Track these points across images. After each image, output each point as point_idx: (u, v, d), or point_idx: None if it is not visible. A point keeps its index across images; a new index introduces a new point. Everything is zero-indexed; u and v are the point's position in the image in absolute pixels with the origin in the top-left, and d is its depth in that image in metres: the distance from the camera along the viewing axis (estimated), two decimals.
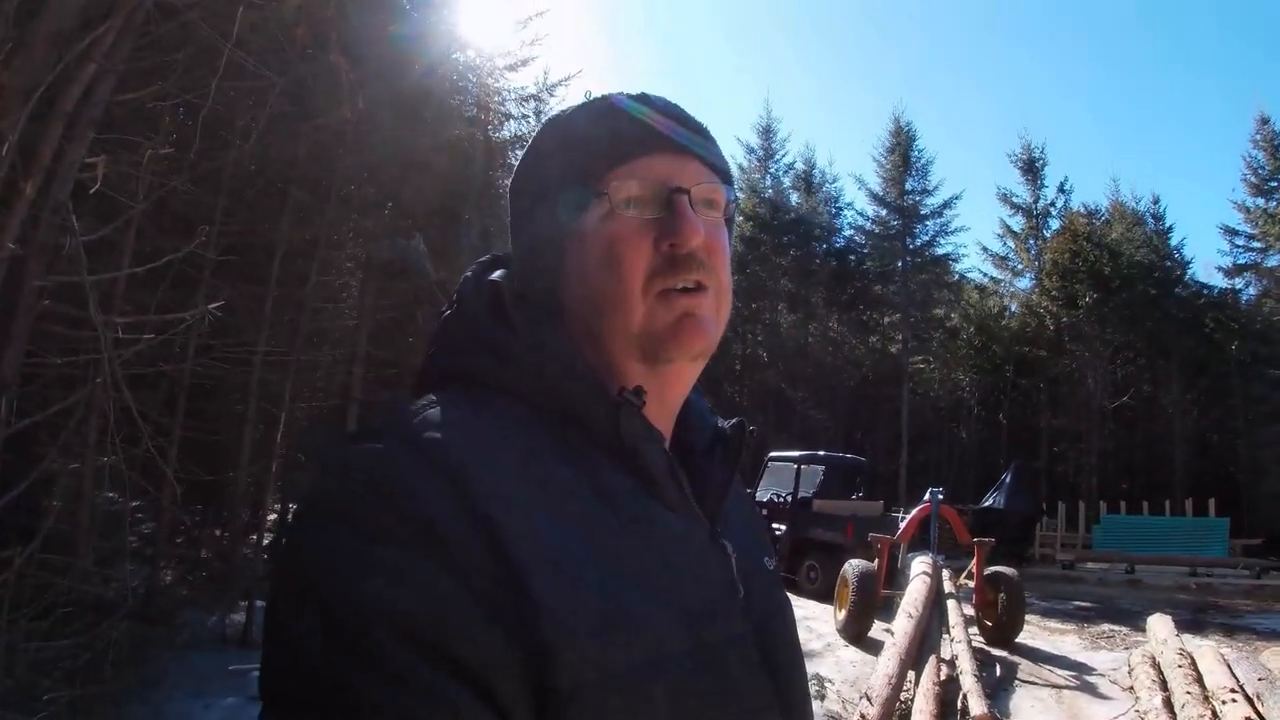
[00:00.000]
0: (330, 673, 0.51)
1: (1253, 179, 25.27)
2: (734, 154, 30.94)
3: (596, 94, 0.81)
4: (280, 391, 8.41)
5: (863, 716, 5.28)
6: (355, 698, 0.50)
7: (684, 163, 0.75)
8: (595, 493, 0.65)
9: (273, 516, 10.86)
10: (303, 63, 6.90)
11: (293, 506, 12.45)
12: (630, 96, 0.77)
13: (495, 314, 0.72)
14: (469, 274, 0.79)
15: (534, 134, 0.82)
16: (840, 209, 30.35)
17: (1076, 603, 12.83)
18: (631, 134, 0.75)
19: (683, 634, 0.62)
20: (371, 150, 9.26)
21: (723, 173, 0.79)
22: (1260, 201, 25.09)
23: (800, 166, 30.93)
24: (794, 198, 31.33)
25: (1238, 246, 25.82)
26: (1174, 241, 26.70)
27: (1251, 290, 25.96)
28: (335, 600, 0.52)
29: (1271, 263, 25.00)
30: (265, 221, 8.43)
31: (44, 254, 4.54)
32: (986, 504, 17.61)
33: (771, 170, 30.93)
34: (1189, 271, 26.46)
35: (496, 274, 0.77)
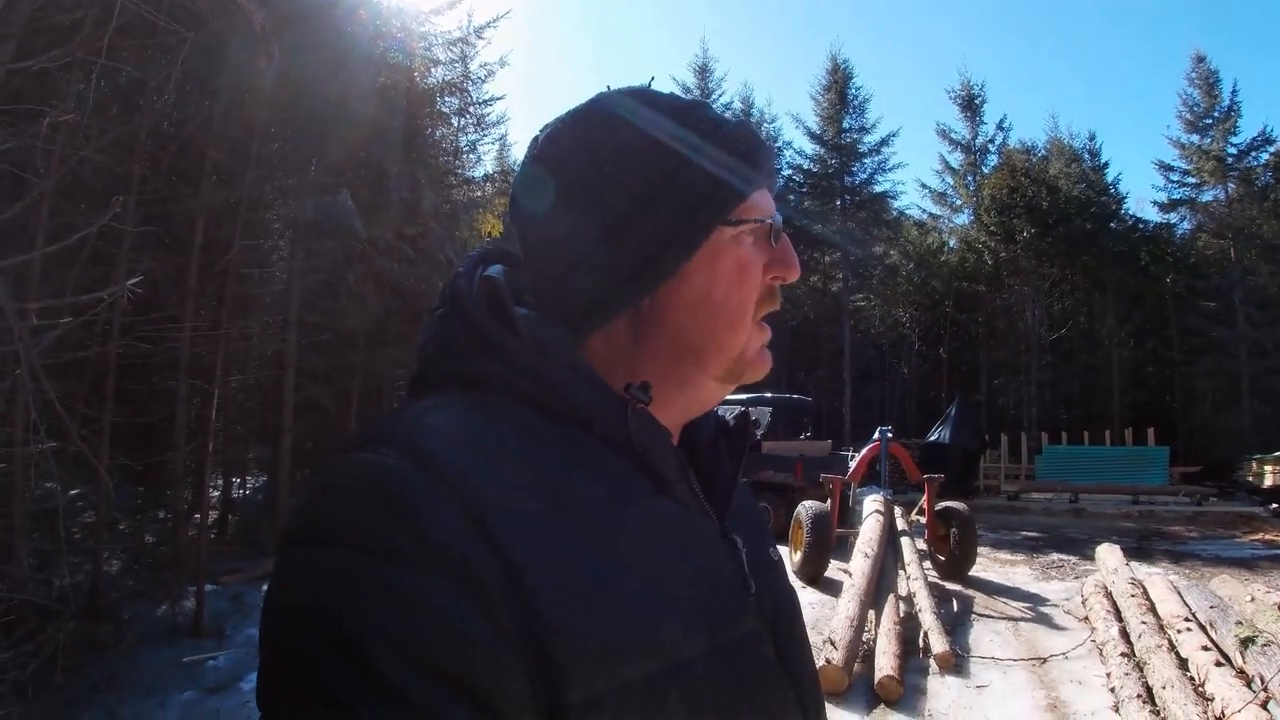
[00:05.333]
0: (329, 690, 0.49)
1: (1188, 115, 25.89)
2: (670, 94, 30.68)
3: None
4: (211, 365, 8.05)
5: (828, 661, 5.32)
6: (354, 714, 0.48)
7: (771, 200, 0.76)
8: (604, 494, 0.63)
9: (215, 494, 10.53)
10: (214, 15, 6.49)
11: (236, 483, 12.31)
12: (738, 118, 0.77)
13: (494, 313, 0.68)
14: (461, 270, 0.75)
15: (633, 119, 0.72)
16: (779, 149, 30.22)
17: (1024, 533, 13.22)
18: (766, 164, 0.74)
19: (699, 636, 0.61)
20: (292, 104, 8.83)
21: None
22: (1195, 138, 25.73)
23: (738, 105, 30.60)
24: None
25: (1173, 182, 26.60)
26: (1110, 177, 27.30)
27: (1186, 225, 26.80)
28: (334, 617, 0.50)
29: (1206, 198, 25.73)
30: (184, 187, 7.98)
31: None
32: (932, 439, 17.90)
33: None
34: (1125, 206, 27.09)
35: (492, 270, 0.72)
